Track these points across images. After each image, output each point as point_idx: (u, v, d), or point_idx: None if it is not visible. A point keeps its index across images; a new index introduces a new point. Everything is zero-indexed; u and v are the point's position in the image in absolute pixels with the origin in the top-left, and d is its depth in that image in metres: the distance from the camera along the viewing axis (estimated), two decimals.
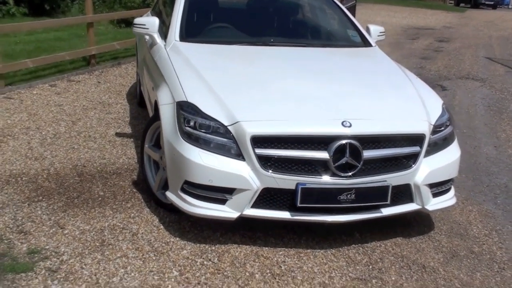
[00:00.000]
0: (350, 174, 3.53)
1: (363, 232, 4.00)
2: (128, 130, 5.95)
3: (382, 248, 3.84)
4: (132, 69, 8.92)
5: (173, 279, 3.32)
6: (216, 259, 3.57)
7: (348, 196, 3.55)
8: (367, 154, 3.57)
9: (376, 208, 3.72)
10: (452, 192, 4.08)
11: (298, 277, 3.43)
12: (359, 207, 3.66)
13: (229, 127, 3.56)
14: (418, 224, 4.21)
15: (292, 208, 3.59)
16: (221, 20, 5.19)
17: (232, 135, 3.54)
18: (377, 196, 3.64)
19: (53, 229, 3.81)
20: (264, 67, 4.37)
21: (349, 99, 3.90)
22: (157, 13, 6.13)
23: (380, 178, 3.63)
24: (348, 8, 10.78)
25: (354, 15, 11.99)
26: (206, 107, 3.66)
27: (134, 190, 4.48)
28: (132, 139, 5.64)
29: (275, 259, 3.62)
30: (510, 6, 46.87)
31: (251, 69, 4.30)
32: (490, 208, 4.64)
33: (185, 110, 3.69)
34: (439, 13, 26.16)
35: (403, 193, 3.79)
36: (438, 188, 3.92)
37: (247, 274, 3.43)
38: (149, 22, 4.92)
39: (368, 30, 5.31)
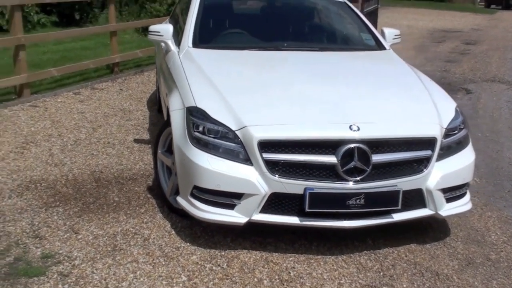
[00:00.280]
0: (358, 178, 3.50)
1: (376, 238, 3.95)
2: (146, 136, 6.02)
3: (394, 255, 3.79)
4: (153, 76, 9.01)
5: (181, 284, 3.34)
6: (225, 264, 3.57)
7: (357, 201, 3.52)
8: (376, 158, 3.54)
9: (387, 213, 3.68)
10: (467, 197, 4.01)
11: (307, 284, 3.41)
12: (369, 212, 3.63)
13: (237, 132, 3.57)
14: (433, 230, 4.14)
15: (301, 213, 3.58)
16: (234, 26, 5.22)
17: (240, 140, 3.56)
18: (388, 201, 3.60)
19: (68, 234, 3.87)
20: (274, 71, 4.38)
21: (358, 103, 3.87)
22: (174, 20, 6.19)
23: (390, 182, 3.59)
24: (370, 12, 10.75)
25: (376, 19, 11.94)
26: (214, 112, 3.68)
27: (149, 195, 4.52)
28: (149, 145, 5.70)
29: (285, 265, 3.60)
30: None
31: (261, 73, 4.31)
32: (511, 214, 4.54)
33: (194, 115, 3.72)
34: (468, 15, 25.79)
35: (415, 198, 3.74)
36: (452, 193, 3.86)
37: (256, 280, 3.43)
38: (163, 29, 4.98)
39: (383, 33, 5.27)
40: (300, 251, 3.77)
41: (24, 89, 7.27)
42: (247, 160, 3.55)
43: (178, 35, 5.17)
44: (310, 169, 3.52)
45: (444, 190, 3.78)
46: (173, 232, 3.95)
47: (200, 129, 3.67)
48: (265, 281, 3.42)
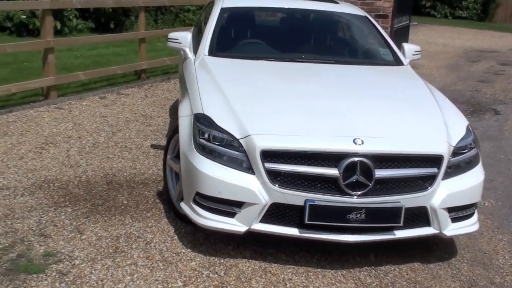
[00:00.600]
0: (360, 193, 3.47)
1: (378, 255, 3.90)
2: (163, 142, 6.07)
3: (395, 272, 3.73)
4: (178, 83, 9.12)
5: None
6: (222, 272, 3.57)
7: (358, 215, 3.49)
8: (379, 173, 3.50)
9: (389, 229, 3.63)
10: (474, 217, 3.93)
11: None
12: (370, 228, 3.59)
13: (241, 140, 3.58)
14: (439, 250, 4.07)
15: (301, 225, 3.56)
16: (252, 36, 5.26)
17: (244, 148, 3.56)
18: (389, 217, 3.56)
19: (72, 234, 3.94)
20: (285, 82, 4.38)
21: (365, 116, 3.84)
22: (198, 29, 6.26)
23: (393, 198, 3.55)
24: (400, 29, 10.64)
25: (407, 35, 11.82)
26: (220, 119, 3.70)
27: (157, 200, 4.56)
28: None
29: (282, 276, 3.58)
30: None
31: (272, 84, 4.31)
32: None
33: (201, 122, 3.75)
34: (508, 36, 25.26)
35: (419, 216, 3.68)
36: (458, 213, 3.78)
37: None
38: (181, 37, 5.04)
39: (402, 49, 5.22)
40: (300, 263, 3.74)
41: (51, 91, 7.44)
42: (250, 169, 3.56)
43: (198, 43, 5.22)
44: (311, 181, 3.51)
45: (450, 210, 3.71)
46: (176, 237, 3.97)
47: (206, 136, 3.69)
48: None
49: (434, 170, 3.63)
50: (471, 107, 9.08)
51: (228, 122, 3.69)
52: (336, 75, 4.67)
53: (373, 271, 3.73)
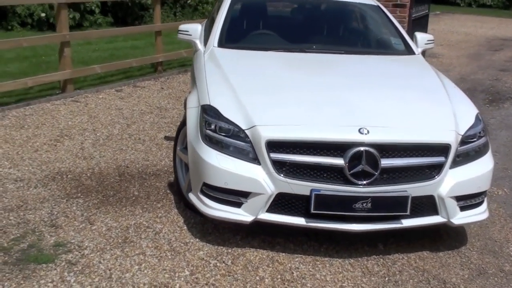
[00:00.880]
0: (365, 182, 3.46)
1: (387, 244, 3.89)
2: None
3: (404, 261, 3.72)
4: None
5: (182, 278, 3.39)
6: (230, 261, 3.60)
7: (364, 204, 3.48)
8: (385, 162, 3.48)
9: (396, 218, 3.61)
10: (484, 206, 3.89)
11: (308, 284, 3.40)
12: (377, 217, 3.57)
13: (246, 131, 3.59)
14: (449, 238, 4.04)
15: (307, 214, 3.56)
16: (261, 27, 5.25)
17: (250, 139, 3.57)
18: (395, 206, 3.54)
19: (83, 225, 3.99)
20: (293, 73, 4.37)
21: (372, 106, 3.81)
22: (210, 21, 6.26)
23: (399, 187, 3.53)
24: (418, 18, 10.51)
25: (426, 25, 11.66)
26: (226, 110, 3.71)
27: (168, 191, 4.60)
28: None
29: (289, 265, 3.60)
30: None
31: (280, 74, 4.31)
32: None
33: (208, 113, 3.76)
34: None
35: (427, 205, 3.65)
36: (467, 202, 3.75)
37: (258, 278, 3.44)
38: (191, 29, 5.06)
39: (415, 38, 5.17)
40: (308, 253, 3.75)
41: (68, 85, 7.52)
42: (256, 160, 3.57)
43: (209, 35, 5.24)
44: (317, 171, 3.50)
45: (458, 198, 3.68)
46: (185, 227, 4.00)
47: (212, 127, 3.71)
48: (266, 280, 3.42)
49: (441, 159, 3.60)
50: (490, 96, 8.96)
51: (235, 113, 3.70)
52: (346, 65, 4.65)
53: (381, 259, 3.72)
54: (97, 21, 15.15)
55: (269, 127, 3.55)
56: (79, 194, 4.49)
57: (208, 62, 4.49)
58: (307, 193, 3.49)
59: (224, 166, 3.58)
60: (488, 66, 12.15)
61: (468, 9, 27.63)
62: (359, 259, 3.71)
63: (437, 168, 3.60)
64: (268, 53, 4.74)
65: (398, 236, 3.94)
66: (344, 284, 3.42)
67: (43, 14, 13.22)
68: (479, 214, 3.83)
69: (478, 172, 3.74)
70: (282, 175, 3.50)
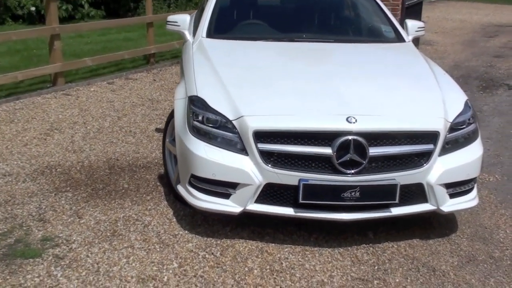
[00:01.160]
0: (353, 171, 3.43)
1: (377, 232, 3.88)
2: None
3: (393, 249, 3.71)
4: None
5: (171, 271, 3.37)
6: (218, 253, 3.58)
7: (353, 193, 3.45)
8: (373, 151, 3.46)
9: (386, 207, 3.60)
10: (473, 193, 3.88)
11: (297, 274, 3.38)
12: (366, 206, 3.55)
13: (234, 122, 3.56)
14: (440, 226, 4.03)
15: (296, 204, 3.54)
16: (250, 17, 5.20)
17: (237, 130, 3.55)
18: (384, 194, 3.52)
19: (71, 219, 3.97)
20: (281, 62, 4.33)
21: (361, 94, 3.78)
22: (200, 11, 6.21)
23: (388, 176, 3.51)
24: (412, 6, 10.47)
25: (420, 13, 11.62)
26: (214, 101, 3.68)
27: (158, 184, 4.58)
28: None
29: (279, 255, 3.58)
30: None
31: (267, 64, 4.27)
32: None
33: (195, 104, 3.73)
34: None
35: (416, 193, 3.63)
36: (456, 189, 3.73)
37: (246, 269, 3.42)
38: (180, 19, 5.02)
39: (405, 25, 5.13)
40: (297, 243, 3.73)
41: (59, 78, 7.48)
42: (243, 150, 3.54)
43: (197, 26, 5.19)
44: (305, 161, 3.48)
45: (447, 185, 3.66)
46: (174, 220, 3.98)
47: (200, 118, 3.68)
48: (255, 271, 3.40)
49: (430, 146, 3.57)
50: (483, 83, 8.94)
51: (222, 104, 3.67)
52: (336, 54, 4.62)
53: (371, 248, 3.70)
54: (90, 14, 15.08)
55: (256, 117, 3.52)
56: (68, 188, 4.46)
57: (196, 53, 4.45)
58: (295, 183, 3.47)
59: (211, 158, 3.55)
60: (482, 52, 12.12)
61: None
62: (349, 248, 3.70)
63: (425, 156, 3.57)
64: (257, 43, 4.70)
65: (388, 225, 3.92)
66: (333, 274, 3.41)
67: (33, 8, 13.13)
68: (468, 201, 3.81)
69: (467, 159, 3.72)
70: (270, 165, 3.47)
